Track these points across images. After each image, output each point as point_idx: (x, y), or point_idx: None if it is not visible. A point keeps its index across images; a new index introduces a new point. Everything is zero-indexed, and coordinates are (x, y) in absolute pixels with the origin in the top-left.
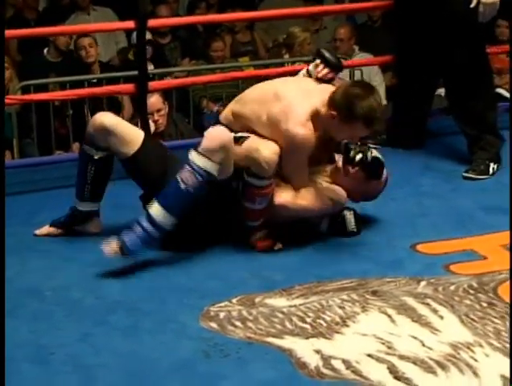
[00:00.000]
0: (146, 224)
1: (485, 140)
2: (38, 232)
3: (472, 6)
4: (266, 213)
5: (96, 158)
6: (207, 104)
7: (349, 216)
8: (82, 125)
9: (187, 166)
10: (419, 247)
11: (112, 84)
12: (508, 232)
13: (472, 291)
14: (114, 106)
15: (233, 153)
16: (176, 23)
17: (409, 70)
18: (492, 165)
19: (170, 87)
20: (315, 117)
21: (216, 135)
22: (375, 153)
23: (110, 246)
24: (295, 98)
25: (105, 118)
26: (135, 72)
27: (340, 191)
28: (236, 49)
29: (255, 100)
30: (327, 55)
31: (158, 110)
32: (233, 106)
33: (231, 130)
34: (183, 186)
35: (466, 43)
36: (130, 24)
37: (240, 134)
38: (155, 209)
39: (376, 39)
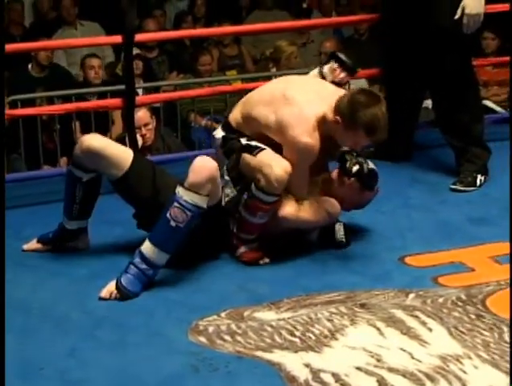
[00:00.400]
0: (139, 263)
1: (471, 152)
2: (26, 247)
3: (457, 17)
4: (262, 228)
5: (84, 180)
6: (195, 118)
7: (339, 226)
8: (70, 140)
9: (176, 203)
10: (408, 259)
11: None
12: (496, 244)
13: (460, 303)
14: (102, 120)
15: (244, 163)
16: (164, 38)
17: (396, 82)
18: (479, 177)
19: (157, 101)
20: (321, 123)
21: (201, 168)
22: (371, 164)
23: (107, 289)
24: (304, 103)
25: (93, 141)
26: (123, 87)
27: (336, 204)
28: (223, 63)
29: (264, 101)
30: (344, 58)
31: (146, 124)
32: (241, 108)
33: (243, 134)
34: (173, 223)
35: (452, 55)
36: (118, 39)
37: (254, 143)
38: (148, 248)
39: (363, 52)
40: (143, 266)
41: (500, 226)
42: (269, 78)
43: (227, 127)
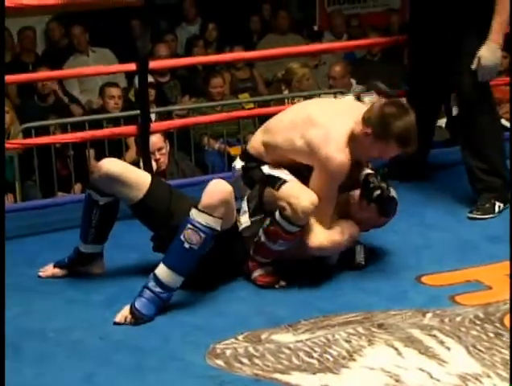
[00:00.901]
0: (153, 287)
1: (490, 180)
2: (42, 273)
3: (473, 67)
4: (280, 254)
5: (101, 203)
6: (208, 142)
7: (359, 249)
8: (84, 166)
9: (189, 224)
10: (424, 279)
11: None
12: None
13: (478, 322)
14: (116, 146)
15: (268, 194)
16: (177, 64)
17: (413, 101)
18: (498, 203)
19: (172, 127)
20: (350, 139)
21: (215, 191)
22: (393, 192)
23: (122, 314)
24: (330, 122)
25: (112, 166)
26: (137, 112)
27: (355, 226)
28: (235, 86)
29: (287, 127)
30: (383, 87)
31: (160, 149)
32: (262, 137)
33: (263, 162)
34: (187, 245)
35: (472, 78)
36: (131, 66)
37: (277, 173)
38: (162, 271)
39: (375, 73)
40: (157, 289)
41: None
42: (281, 100)
43: (246, 157)
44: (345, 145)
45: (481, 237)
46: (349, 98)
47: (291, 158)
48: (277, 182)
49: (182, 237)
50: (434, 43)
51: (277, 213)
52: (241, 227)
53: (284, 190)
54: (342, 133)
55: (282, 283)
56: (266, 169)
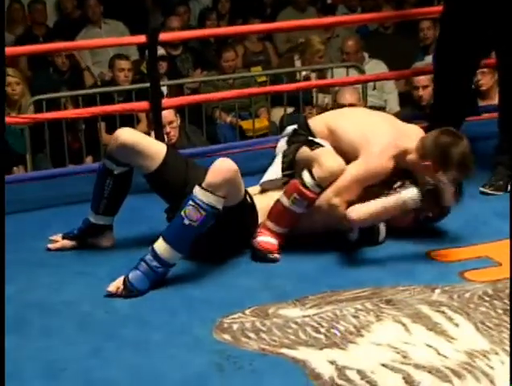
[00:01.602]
0: (150, 261)
1: (508, 156)
2: (51, 246)
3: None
4: (292, 222)
5: (115, 173)
6: (220, 115)
7: (382, 227)
8: (95, 139)
9: (191, 201)
10: (433, 254)
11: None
12: None
13: (487, 298)
14: (128, 119)
15: (302, 153)
16: (188, 36)
17: (443, 73)
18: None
19: (184, 103)
20: (400, 157)
21: (220, 169)
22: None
23: (115, 284)
24: (396, 133)
25: (128, 136)
26: (148, 85)
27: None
28: (248, 59)
29: (356, 124)
30: None
31: (170, 122)
32: (328, 121)
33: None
34: (187, 221)
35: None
36: (142, 38)
37: (318, 140)
38: (160, 245)
39: (388, 46)
40: (154, 263)
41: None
42: (293, 73)
43: (303, 126)
44: (392, 158)
45: (491, 213)
46: None
47: (338, 147)
48: (314, 145)
49: (183, 213)
50: (471, 15)
51: (304, 171)
52: (265, 178)
53: (318, 151)
54: (399, 146)
55: (277, 255)
56: (311, 137)
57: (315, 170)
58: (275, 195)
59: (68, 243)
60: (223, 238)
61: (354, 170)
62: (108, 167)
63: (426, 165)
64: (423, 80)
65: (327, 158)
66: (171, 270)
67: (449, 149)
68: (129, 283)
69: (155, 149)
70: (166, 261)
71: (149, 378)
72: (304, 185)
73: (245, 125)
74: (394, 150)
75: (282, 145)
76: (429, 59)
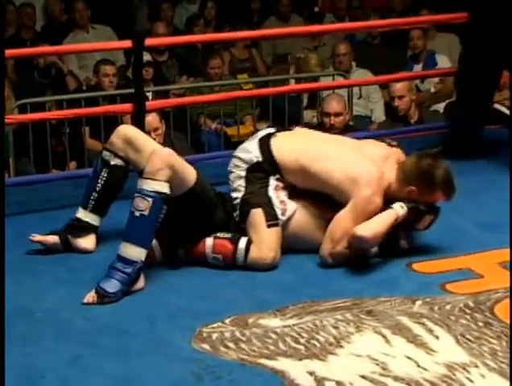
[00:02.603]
0: (116, 263)
1: None
2: (32, 237)
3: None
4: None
5: (112, 163)
6: (204, 122)
7: (401, 233)
8: (79, 143)
9: (136, 193)
10: (415, 266)
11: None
12: (504, 250)
13: (468, 310)
14: (112, 124)
15: (253, 219)
16: (174, 42)
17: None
18: None
19: (168, 106)
20: (387, 188)
21: (154, 156)
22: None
23: (89, 295)
24: (380, 164)
25: (129, 129)
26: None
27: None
28: (234, 66)
29: (330, 157)
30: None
31: (155, 129)
32: (298, 155)
33: (277, 170)
34: (137, 213)
35: None
36: (128, 43)
37: (277, 204)
38: (122, 246)
39: (375, 56)
40: (120, 264)
41: (508, 231)
42: (282, 81)
43: (266, 155)
44: (383, 191)
45: (473, 224)
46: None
47: (319, 188)
48: (271, 218)
49: (132, 208)
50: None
51: (244, 240)
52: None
53: (267, 233)
54: (385, 180)
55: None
56: (271, 187)
57: (252, 249)
58: None
59: (49, 238)
60: (180, 227)
61: (348, 218)
62: (105, 158)
63: (410, 190)
64: (399, 89)
65: (268, 246)
66: (150, 278)
67: (432, 171)
68: (100, 289)
69: (153, 147)
70: (130, 260)
71: None
72: (234, 255)
73: (230, 131)
74: (381, 187)
75: (239, 174)
76: (418, 68)
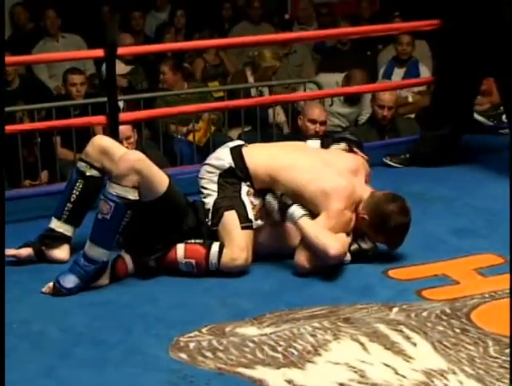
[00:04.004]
0: (80, 260)
1: None
2: (7, 251)
3: None
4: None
5: (87, 174)
6: (176, 129)
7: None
8: (51, 153)
9: (101, 196)
10: (391, 272)
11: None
12: (480, 256)
13: (445, 317)
14: (84, 134)
15: (226, 222)
16: (146, 51)
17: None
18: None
19: (141, 118)
20: (358, 205)
21: (121, 160)
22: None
23: (48, 285)
24: (350, 178)
25: (103, 139)
26: (104, 99)
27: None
28: (207, 72)
29: (302, 170)
30: (354, 138)
31: (128, 138)
32: (268, 164)
33: (248, 177)
34: (100, 216)
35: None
36: (99, 53)
37: (250, 211)
38: (86, 244)
39: (344, 62)
40: (82, 262)
41: (484, 237)
42: (247, 89)
43: (238, 161)
44: (353, 206)
45: (448, 231)
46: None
47: (290, 197)
48: (243, 221)
49: (98, 209)
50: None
51: (216, 245)
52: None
53: (238, 235)
54: (356, 194)
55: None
56: (244, 192)
57: (225, 253)
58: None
59: (23, 251)
60: (151, 235)
61: (321, 227)
62: (80, 169)
63: (363, 217)
64: (388, 100)
65: (240, 247)
66: (124, 288)
67: (391, 216)
68: (57, 283)
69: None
70: (92, 259)
71: None
72: (207, 259)
73: (197, 137)
74: (351, 201)
75: (212, 178)
76: (401, 72)
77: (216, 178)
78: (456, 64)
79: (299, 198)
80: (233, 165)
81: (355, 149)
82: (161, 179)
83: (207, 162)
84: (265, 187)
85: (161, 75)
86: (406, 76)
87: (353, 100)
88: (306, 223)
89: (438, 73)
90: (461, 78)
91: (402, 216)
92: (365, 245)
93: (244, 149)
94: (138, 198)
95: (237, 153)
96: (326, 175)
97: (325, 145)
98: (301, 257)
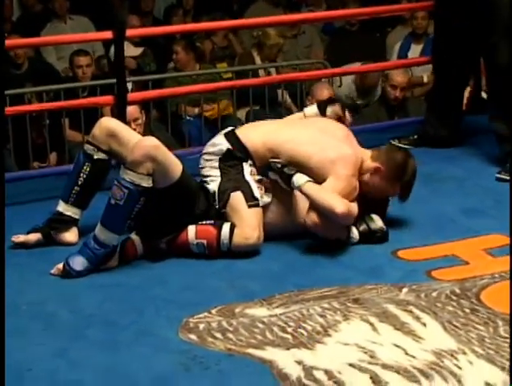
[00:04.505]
0: (90, 243)
1: None
2: (15, 239)
3: None
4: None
5: (95, 158)
6: (185, 110)
7: (372, 217)
8: (59, 135)
9: (116, 181)
10: (400, 253)
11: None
12: (489, 236)
13: (454, 297)
14: (92, 115)
15: (234, 203)
16: (154, 33)
17: (442, 68)
18: None
19: (149, 98)
20: (360, 169)
21: (138, 146)
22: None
23: (57, 267)
24: (350, 145)
25: (111, 122)
26: (112, 81)
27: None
28: (215, 54)
29: (302, 142)
30: (348, 101)
31: (135, 119)
32: (265, 139)
33: (249, 156)
34: (113, 201)
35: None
36: (108, 34)
37: (255, 190)
38: (98, 228)
39: (354, 43)
40: (92, 245)
41: (493, 217)
42: (255, 71)
43: (235, 142)
44: (358, 172)
45: (458, 211)
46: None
47: (297, 167)
48: (252, 198)
49: (110, 194)
50: (462, 12)
51: (227, 225)
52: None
53: (247, 214)
54: (359, 159)
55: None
56: (247, 172)
57: (236, 233)
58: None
59: (32, 237)
60: (162, 219)
61: (330, 189)
62: (87, 152)
63: (377, 167)
64: (402, 82)
65: (251, 226)
66: (135, 270)
67: (406, 165)
68: (66, 265)
69: (135, 140)
70: (103, 243)
71: (115, 378)
72: (218, 240)
73: (209, 113)
74: (356, 167)
75: (212, 165)
76: (418, 48)
77: (216, 164)
78: (451, 44)
79: (304, 169)
80: (230, 147)
81: (346, 113)
82: (175, 166)
83: (203, 151)
84: (267, 163)
85: (174, 55)
86: (423, 53)
87: (365, 91)
88: (310, 188)
89: (435, 53)
90: (458, 57)
91: (414, 161)
92: (374, 225)
93: (237, 131)
94: (151, 185)
95: (231, 135)
96: (329, 144)
97: (322, 108)
98: (311, 216)
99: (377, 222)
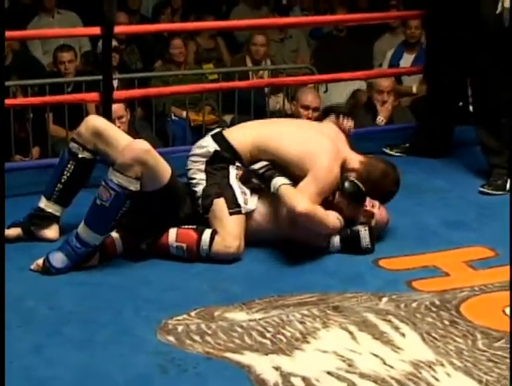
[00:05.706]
0: (71, 241)
1: (505, 155)
2: None
3: (498, 12)
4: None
5: (80, 156)
6: (173, 110)
7: (364, 232)
8: (42, 129)
9: (103, 182)
10: (382, 262)
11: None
12: (471, 248)
13: (434, 309)
14: (76, 111)
15: (216, 213)
16: (142, 30)
17: (438, 78)
18: (510, 181)
19: (135, 96)
20: (343, 164)
21: (128, 149)
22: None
23: (37, 263)
24: (335, 141)
25: (97, 120)
26: (98, 77)
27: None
28: (200, 55)
29: (295, 141)
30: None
31: (120, 117)
32: (253, 139)
33: (237, 156)
34: (98, 201)
35: (488, 54)
36: (96, 30)
37: (239, 196)
38: (80, 226)
39: (341, 49)
40: (74, 243)
41: (475, 230)
42: (246, 73)
43: (223, 143)
44: (339, 164)
45: (440, 222)
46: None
47: (281, 163)
48: (234, 206)
49: (97, 194)
50: (452, 21)
51: (208, 231)
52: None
53: (229, 222)
54: (341, 153)
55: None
56: (232, 177)
57: (216, 241)
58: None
59: (12, 232)
60: (146, 221)
61: (310, 186)
62: (72, 150)
63: (354, 168)
64: (387, 84)
65: (232, 235)
66: (116, 269)
67: (386, 181)
68: (47, 261)
69: (122, 141)
70: (84, 241)
71: (91, 377)
72: (198, 245)
73: (194, 116)
74: (338, 158)
75: (198, 167)
76: (410, 58)
77: (203, 167)
78: (444, 53)
79: (287, 164)
80: (217, 148)
81: (343, 120)
82: (164, 171)
83: (191, 153)
84: (255, 161)
85: (172, 49)
86: (415, 63)
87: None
88: (282, 191)
89: (428, 62)
90: (450, 66)
91: (395, 173)
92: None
93: (225, 132)
94: (139, 189)
95: (219, 136)
96: (310, 138)
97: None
98: (295, 207)
99: (360, 228)
